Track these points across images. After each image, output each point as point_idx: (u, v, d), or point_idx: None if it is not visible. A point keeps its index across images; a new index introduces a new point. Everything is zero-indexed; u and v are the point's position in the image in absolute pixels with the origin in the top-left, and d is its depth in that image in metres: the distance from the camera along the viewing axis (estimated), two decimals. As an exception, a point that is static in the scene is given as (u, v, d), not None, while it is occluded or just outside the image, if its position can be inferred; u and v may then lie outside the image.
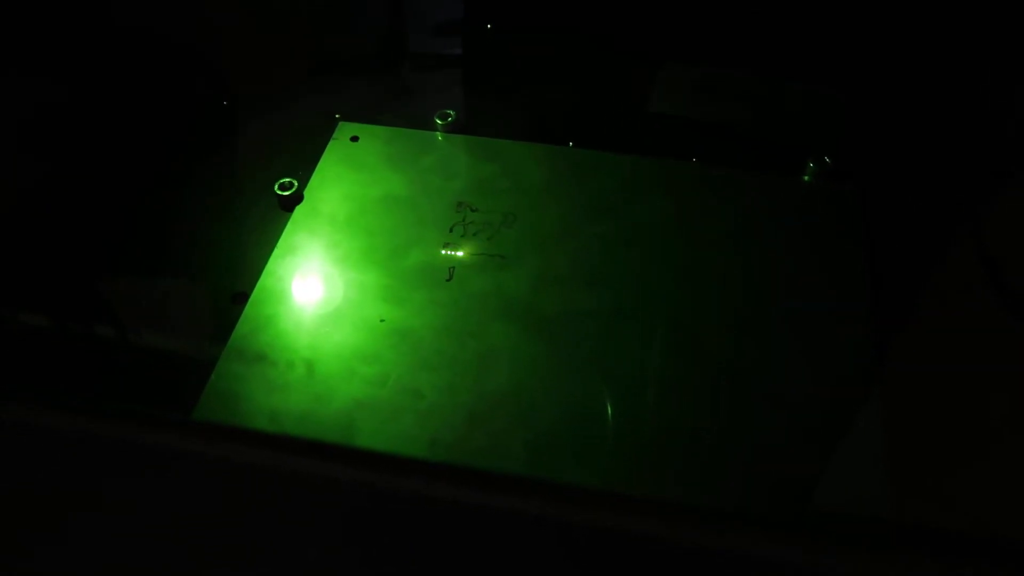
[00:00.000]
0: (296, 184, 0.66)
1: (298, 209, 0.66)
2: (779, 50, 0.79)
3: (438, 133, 0.71)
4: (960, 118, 0.71)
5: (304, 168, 0.68)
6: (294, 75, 0.79)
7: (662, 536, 0.32)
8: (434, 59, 0.83)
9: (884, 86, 0.74)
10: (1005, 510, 0.48)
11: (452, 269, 0.61)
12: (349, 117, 0.73)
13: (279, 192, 0.66)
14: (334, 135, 0.71)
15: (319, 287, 0.61)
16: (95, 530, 0.38)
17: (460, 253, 0.62)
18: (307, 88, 0.78)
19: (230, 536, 0.37)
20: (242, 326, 0.58)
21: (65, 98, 0.77)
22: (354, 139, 0.71)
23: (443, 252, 0.62)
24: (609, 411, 0.53)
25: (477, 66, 0.82)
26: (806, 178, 0.66)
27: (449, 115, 0.71)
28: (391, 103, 0.77)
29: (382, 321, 0.58)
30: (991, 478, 0.50)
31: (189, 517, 0.37)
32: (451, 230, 0.63)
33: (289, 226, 0.64)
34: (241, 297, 0.60)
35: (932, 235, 0.63)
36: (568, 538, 0.33)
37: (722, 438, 0.52)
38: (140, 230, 0.66)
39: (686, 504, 0.33)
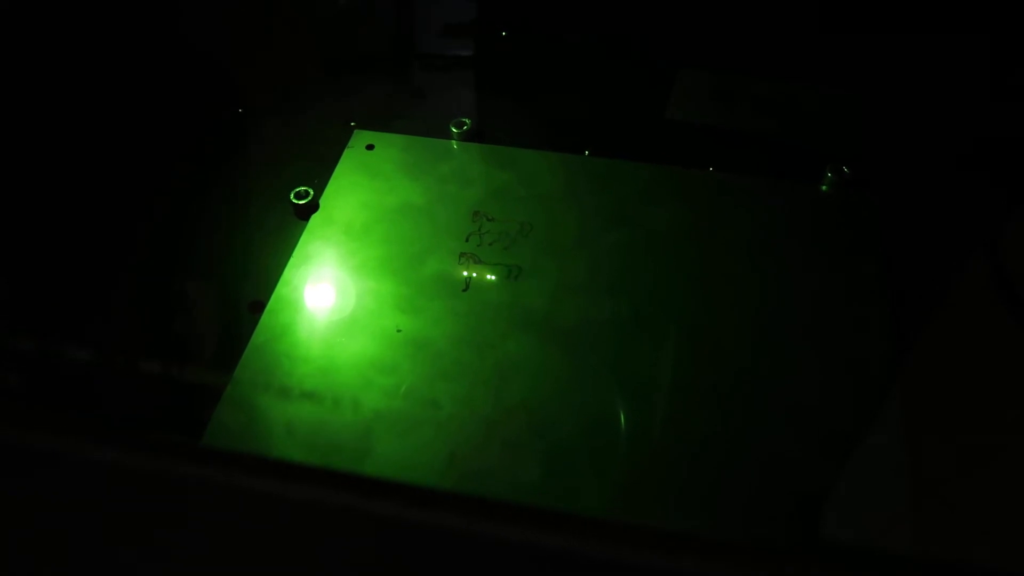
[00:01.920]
0: (312, 193, 0.66)
1: (314, 218, 0.65)
2: (797, 56, 0.78)
3: (453, 141, 0.71)
4: (980, 127, 0.70)
5: (320, 176, 0.68)
6: (308, 82, 0.79)
7: (666, 567, 0.31)
8: (448, 65, 0.83)
9: (902, 94, 0.74)
10: (1006, 518, 0.48)
11: (469, 279, 0.61)
12: (363, 124, 0.73)
13: (294, 201, 0.66)
14: (349, 143, 0.71)
15: (335, 296, 0.61)
16: (95, 558, 0.38)
17: (477, 263, 0.62)
18: (322, 95, 0.78)
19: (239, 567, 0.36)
20: (258, 335, 0.58)
21: (80, 106, 0.77)
22: (370, 147, 0.71)
23: (461, 264, 0.61)
24: (629, 421, 0.53)
25: (492, 72, 0.82)
26: (824, 187, 0.65)
27: (464, 123, 0.71)
28: (406, 109, 0.77)
29: (399, 331, 0.58)
30: (1004, 488, 0.50)
31: (197, 547, 0.36)
32: (467, 239, 0.63)
33: (305, 235, 0.64)
34: (258, 306, 0.60)
35: (950, 245, 0.62)
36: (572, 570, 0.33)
37: (739, 449, 0.51)
38: (156, 238, 0.66)
39: (692, 532, 0.32)
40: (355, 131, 0.72)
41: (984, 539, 0.48)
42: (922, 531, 0.48)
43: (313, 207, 0.66)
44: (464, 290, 0.60)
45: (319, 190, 0.67)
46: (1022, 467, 0.51)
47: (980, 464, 0.51)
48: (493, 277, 0.61)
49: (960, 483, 0.50)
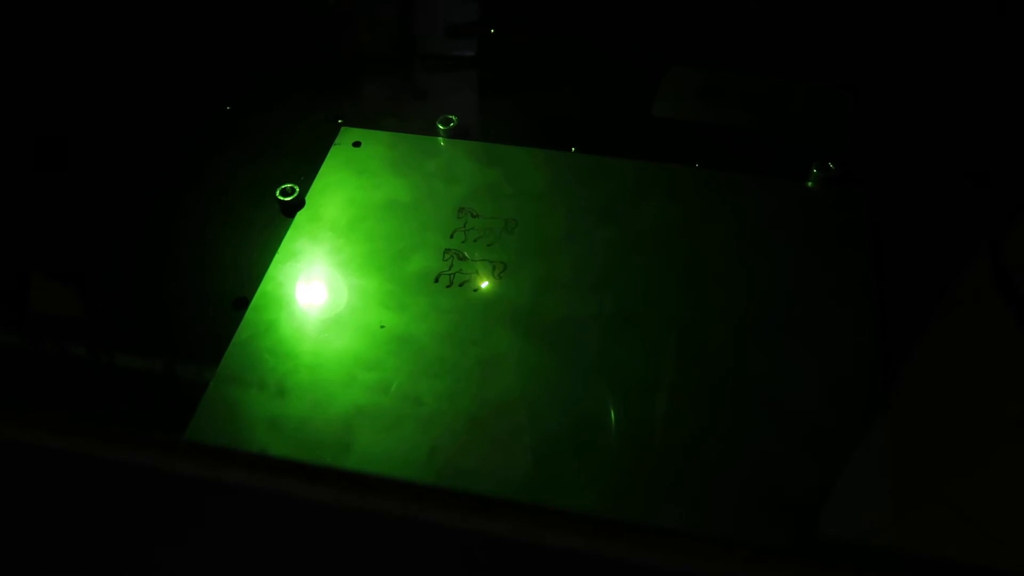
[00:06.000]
0: (298, 189, 0.66)
1: (300, 214, 0.65)
2: (785, 51, 0.78)
3: (440, 138, 0.71)
4: (970, 119, 0.70)
5: (306, 173, 0.68)
6: (297, 79, 0.79)
7: (656, 566, 0.31)
8: (437, 62, 0.83)
9: (892, 87, 0.74)
10: (1011, 518, 0.48)
11: (453, 275, 0.60)
12: (352, 121, 0.73)
13: (280, 198, 0.65)
14: (336, 140, 0.71)
15: (320, 293, 0.60)
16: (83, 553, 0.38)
17: (461, 259, 0.61)
18: (309, 93, 0.77)
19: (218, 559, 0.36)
20: (242, 331, 0.58)
21: (67, 103, 0.77)
22: (356, 144, 0.71)
23: (445, 260, 0.61)
24: (612, 418, 0.53)
25: (480, 70, 0.82)
26: (810, 184, 0.65)
27: (451, 120, 0.71)
28: (393, 106, 0.76)
29: (382, 327, 0.57)
30: (997, 486, 0.50)
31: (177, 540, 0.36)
32: (452, 236, 0.63)
33: (290, 231, 0.64)
34: (242, 302, 0.60)
35: (938, 241, 0.62)
36: (557, 565, 0.32)
37: (725, 445, 0.51)
38: (142, 234, 0.66)
39: (679, 531, 0.32)
40: (342, 128, 0.72)
41: (983, 537, 0.48)
42: (922, 530, 0.48)
43: (299, 204, 0.66)
44: (447, 286, 0.60)
45: (305, 187, 0.67)
46: (1016, 461, 0.50)
47: (980, 463, 0.51)
48: (477, 273, 0.60)
49: (960, 482, 0.50)
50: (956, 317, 0.59)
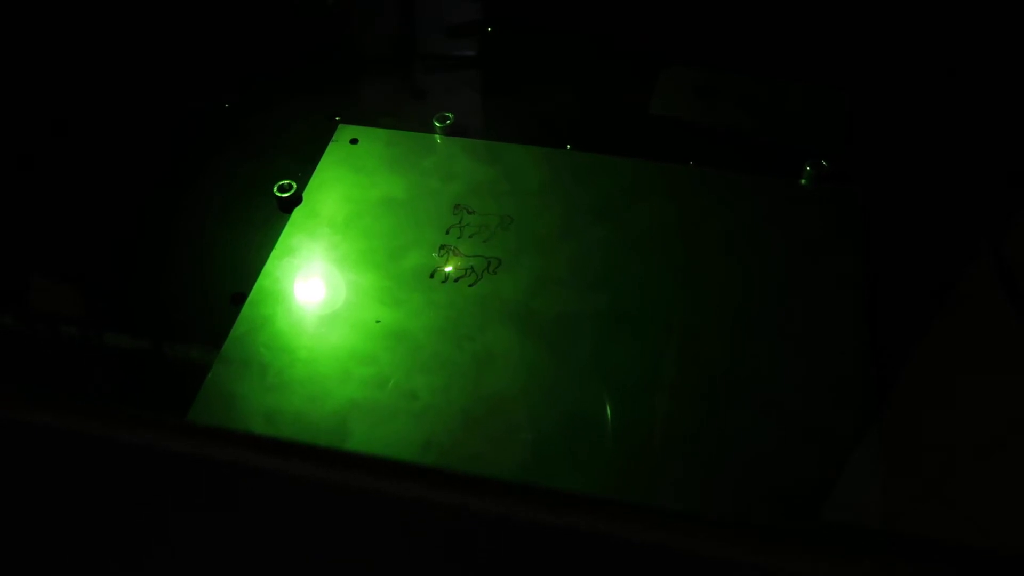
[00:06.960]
0: (295, 186, 0.66)
1: (297, 211, 0.66)
2: (781, 51, 0.79)
3: (437, 136, 0.71)
4: (964, 117, 0.70)
5: (303, 170, 0.69)
6: (295, 78, 0.80)
7: (653, 543, 0.31)
8: (435, 61, 0.83)
9: (886, 85, 0.74)
10: (1006, 515, 0.48)
11: (448, 273, 0.61)
12: (349, 119, 0.73)
13: (278, 194, 0.66)
14: (334, 137, 0.71)
15: (316, 288, 0.61)
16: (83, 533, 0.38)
17: (457, 255, 0.62)
18: (307, 90, 0.78)
19: (220, 540, 0.37)
20: (239, 326, 0.58)
21: (64, 101, 0.78)
22: (353, 141, 0.71)
23: (440, 256, 0.62)
24: (607, 415, 0.53)
25: (477, 68, 0.82)
26: (804, 181, 0.66)
27: (448, 118, 0.71)
28: (392, 105, 0.77)
29: (378, 322, 0.58)
30: (993, 483, 0.50)
31: (175, 518, 0.37)
32: (447, 232, 0.63)
33: (287, 228, 0.65)
34: (239, 298, 0.60)
35: (932, 237, 0.62)
36: (558, 544, 0.33)
37: (719, 443, 0.51)
38: (140, 231, 0.67)
39: (678, 511, 0.32)
40: (339, 125, 0.72)
41: (983, 536, 0.48)
42: (917, 528, 0.48)
43: (296, 200, 0.66)
44: (443, 282, 0.60)
45: (303, 184, 0.67)
46: (1012, 458, 0.50)
47: (977, 462, 0.51)
48: (472, 270, 0.61)
49: (960, 481, 0.50)
50: (954, 315, 0.59)
